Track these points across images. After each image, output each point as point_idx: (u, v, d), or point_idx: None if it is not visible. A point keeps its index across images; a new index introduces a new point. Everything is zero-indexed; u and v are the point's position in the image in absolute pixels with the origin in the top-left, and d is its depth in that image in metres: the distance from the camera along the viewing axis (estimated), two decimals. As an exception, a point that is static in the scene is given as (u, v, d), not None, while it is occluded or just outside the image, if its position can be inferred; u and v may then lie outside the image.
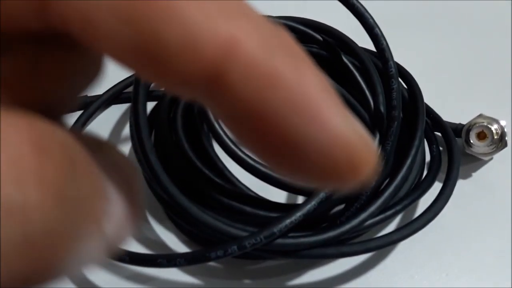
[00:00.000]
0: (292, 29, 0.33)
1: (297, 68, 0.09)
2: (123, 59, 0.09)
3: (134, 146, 0.30)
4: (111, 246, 0.10)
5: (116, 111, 0.37)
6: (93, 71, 0.11)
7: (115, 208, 0.10)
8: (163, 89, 0.09)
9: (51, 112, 0.10)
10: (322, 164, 0.09)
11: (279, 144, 0.09)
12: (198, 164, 0.31)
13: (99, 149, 0.10)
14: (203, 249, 0.27)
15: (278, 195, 0.31)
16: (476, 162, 0.34)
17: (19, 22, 0.09)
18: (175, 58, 0.08)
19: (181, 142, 0.31)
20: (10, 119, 0.08)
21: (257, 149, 0.09)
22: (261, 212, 0.29)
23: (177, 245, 0.31)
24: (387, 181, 0.30)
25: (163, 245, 0.31)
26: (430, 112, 0.34)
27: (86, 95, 0.35)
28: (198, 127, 0.33)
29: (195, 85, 0.09)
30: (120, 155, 0.10)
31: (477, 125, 0.33)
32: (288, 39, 0.09)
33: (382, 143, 0.29)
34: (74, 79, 0.10)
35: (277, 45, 0.09)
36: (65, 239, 0.08)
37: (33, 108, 0.09)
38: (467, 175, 0.34)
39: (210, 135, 0.32)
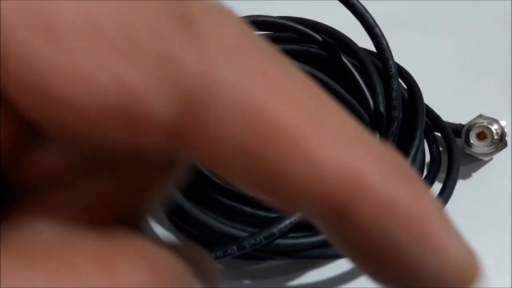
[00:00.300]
0: (291, 29, 0.33)
1: (416, 195, 0.09)
2: (244, 186, 0.09)
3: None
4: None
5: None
6: (179, 176, 0.11)
7: None
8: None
9: (134, 217, 0.10)
10: (431, 281, 0.09)
11: (390, 263, 0.09)
12: (189, 168, 0.30)
13: (190, 254, 0.10)
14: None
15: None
16: (476, 162, 0.34)
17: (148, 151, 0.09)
18: (299, 189, 0.08)
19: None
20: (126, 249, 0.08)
21: (365, 263, 0.09)
22: (261, 213, 0.29)
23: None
24: (387, 181, 0.30)
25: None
26: (430, 112, 0.34)
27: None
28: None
29: (314, 211, 0.09)
30: (207, 256, 0.11)
31: (477, 125, 0.33)
32: (402, 164, 0.09)
33: (382, 143, 0.29)
34: (163, 187, 0.10)
35: (395, 172, 0.09)
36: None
37: (122, 218, 0.09)
38: (467, 176, 0.34)
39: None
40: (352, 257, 0.10)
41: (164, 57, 0.08)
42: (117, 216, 0.09)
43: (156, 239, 0.09)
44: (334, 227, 0.09)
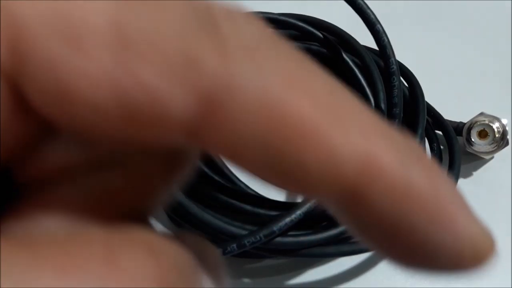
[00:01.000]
0: (292, 26, 0.33)
1: (431, 179, 0.09)
2: (260, 176, 0.09)
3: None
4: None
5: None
6: (185, 172, 0.11)
7: None
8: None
9: (141, 213, 0.10)
10: (448, 261, 0.09)
11: (407, 245, 0.09)
12: (198, 162, 0.30)
13: (194, 246, 0.10)
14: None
15: (278, 194, 0.31)
16: (477, 160, 0.34)
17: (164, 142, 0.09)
18: (315, 175, 0.09)
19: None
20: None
21: (383, 247, 0.10)
22: (261, 211, 0.29)
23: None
24: (387, 179, 0.29)
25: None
26: (431, 111, 0.34)
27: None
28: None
29: (331, 198, 0.09)
30: (210, 247, 0.11)
31: (478, 123, 0.33)
32: (419, 151, 0.10)
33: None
34: (170, 183, 0.10)
35: (411, 158, 0.09)
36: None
37: (129, 214, 0.09)
38: (468, 174, 0.34)
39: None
40: (369, 241, 0.10)
41: (187, 60, 0.08)
42: (124, 210, 0.10)
43: (161, 232, 0.09)
44: (351, 212, 0.09)
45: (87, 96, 0.08)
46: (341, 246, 0.28)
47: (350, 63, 0.33)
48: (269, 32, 0.09)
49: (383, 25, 0.29)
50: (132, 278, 0.08)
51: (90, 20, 0.08)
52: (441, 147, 0.33)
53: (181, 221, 0.30)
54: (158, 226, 0.32)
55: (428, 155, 0.10)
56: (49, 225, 0.09)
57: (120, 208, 0.09)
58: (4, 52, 0.08)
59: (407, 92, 0.33)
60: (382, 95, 0.30)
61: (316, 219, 0.29)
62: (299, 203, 0.27)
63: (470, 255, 0.10)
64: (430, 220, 0.09)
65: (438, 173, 0.09)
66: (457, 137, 0.33)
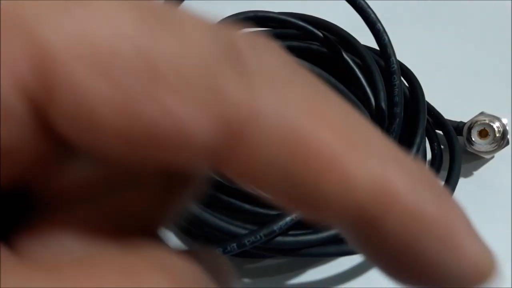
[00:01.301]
0: (292, 26, 0.33)
1: (442, 205, 0.09)
2: (277, 198, 0.09)
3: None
4: None
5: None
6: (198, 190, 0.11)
7: None
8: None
9: (153, 229, 0.10)
10: (450, 280, 0.10)
11: (414, 267, 0.10)
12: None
13: (207, 261, 0.10)
14: (202, 247, 0.27)
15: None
16: (477, 160, 0.34)
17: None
18: (331, 199, 0.09)
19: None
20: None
21: (390, 267, 0.10)
22: (261, 210, 0.29)
23: (176, 243, 0.31)
24: (388, 179, 0.29)
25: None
26: (431, 110, 0.34)
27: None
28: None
29: (345, 222, 0.09)
30: (223, 259, 0.11)
31: (479, 123, 0.33)
32: (431, 177, 0.10)
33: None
34: (183, 200, 0.11)
35: (423, 184, 0.09)
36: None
37: (142, 230, 0.10)
38: (468, 174, 0.34)
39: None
40: (377, 261, 0.10)
41: (213, 91, 0.08)
42: (138, 227, 0.10)
43: (174, 247, 0.09)
44: (364, 235, 0.09)
45: (113, 122, 0.08)
46: (341, 245, 0.28)
47: (351, 62, 0.32)
48: (289, 60, 0.09)
49: (383, 24, 0.29)
50: None
51: (119, 52, 0.08)
52: (442, 146, 0.33)
53: (180, 220, 0.30)
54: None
55: (439, 182, 0.11)
56: (68, 243, 0.09)
57: (134, 225, 0.10)
58: (30, 75, 0.08)
59: (407, 91, 0.33)
60: (382, 95, 0.30)
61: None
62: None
63: (472, 275, 0.10)
64: (440, 244, 0.09)
65: (448, 199, 0.10)
66: (458, 136, 0.33)
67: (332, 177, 0.09)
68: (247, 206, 0.29)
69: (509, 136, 0.32)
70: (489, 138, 0.32)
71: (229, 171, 0.09)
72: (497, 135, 0.32)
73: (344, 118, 0.09)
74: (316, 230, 0.27)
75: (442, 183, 0.30)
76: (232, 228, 0.27)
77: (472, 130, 0.33)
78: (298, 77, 0.09)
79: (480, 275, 0.10)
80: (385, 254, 0.10)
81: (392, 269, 0.10)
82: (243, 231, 0.27)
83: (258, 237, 0.26)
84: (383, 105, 0.30)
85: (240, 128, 0.08)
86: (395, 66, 0.29)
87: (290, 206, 0.09)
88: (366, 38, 0.31)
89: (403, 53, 0.33)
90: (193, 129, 0.08)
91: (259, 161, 0.09)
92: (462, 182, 0.32)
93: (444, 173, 0.31)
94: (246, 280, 0.30)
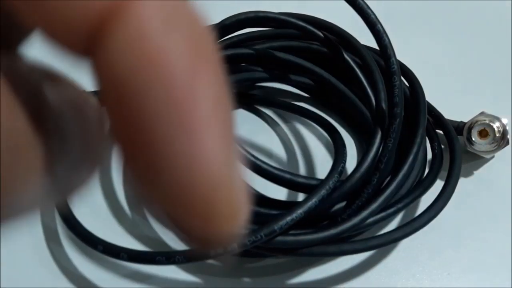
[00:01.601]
0: (292, 26, 0.33)
1: (195, 63, 0.07)
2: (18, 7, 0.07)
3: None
4: (65, 190, 0.09)
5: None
6: None
7: (69, 151, 0.08)
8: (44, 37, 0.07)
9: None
10: (176, 185, 0.07)
11: (136, 135, 0.07)
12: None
13: (54, 82, 0.08)
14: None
15: (278, 193, 0.31)
16: (477, 160, 0.34)
17: None
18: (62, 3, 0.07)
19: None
20: None
21: (116, 134, 0.08)
22: (262, 209, 0.29)
23: (176, 243, 0.31)
24: (388, 178, 0.29)
25: (161, 242, 0.31)
26: (432, 110, 0.34)
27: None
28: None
29: (73, 37, 0.07)
30: (78, 91, 0.09)
31: (479, 123, 0.33)
32: (198, 24, 0.07)
33: (383, 140, 0.29)
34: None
35: (182, 24, 0.07)
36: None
37: None
38: (468, 173, 0.34)
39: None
40: (108, 114, 0.08)
41: None
42: None
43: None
44: (91, 63, 0.07)
45: None
46: (341, 245, 0.28)
47: (351, 62, 0.32)
48: None
49: (383, 24, 0.29)
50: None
51: None
52: (442, 146, 0.33)
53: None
54: (158, 227, 0.32)
55: (215, 50, 0.08)
56: None
57: None
58: None
59: (408, 91, 0.33)
60: (383, 95, 0.30)
61: (317, 218, 0.29)
62: (300, 202, 0.27)
63: (200, 194, 0.07)
64: (171, 115, 0.07)
65: (209, 62, 0.07)
66: (458, 136, 0.33)
67: None
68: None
69: (509, 136, 0.32)
70: (489, 138, 0.32)
71: None
72: (497, 135, 0.32)
73: None
74: (316, 230, 0.27)
75: (443, 182, 0.31)
76: (233, 227, 0.27)
77: (472, 130, 0.33)
78: None
79: (212, 195, 0.07)
80: (108, 99, 0.07)
81: (116, 133, 0.07)
82: (244, 231, 0.27)
83: (259, 236, 0.26)
84: (384, 105, 0.30)
85: None
86: (396, 66, 0.29)
87: (25, 12, 0.07)
88: (366, 38, 0.31)
89: (403, 53, 0.33)
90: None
91: None
92: (462, 182, 0.32)
93: (444, 173, 0.31)
94: (246, 279, 0.30)
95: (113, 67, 0.07)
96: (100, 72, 0.07)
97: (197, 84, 0.07)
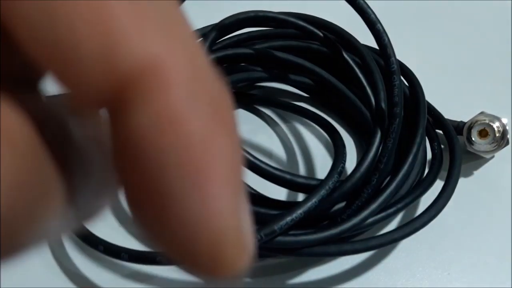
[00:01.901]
0: (292, 25, 0.33)
1: (214, 128, 0.07)
2: (32, 50, 0.07)
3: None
4: (84, 217, 0.09)
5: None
6: None
7: (90, 179, 0.09)
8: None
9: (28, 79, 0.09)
10: (183, 239, 0.08)
11: (150, 191, 0.08)
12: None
13: (76, 115, 0.09)
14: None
15: (278, 193, 0.31)
16: (477, 160, 0.34)
17: None
18: (86, 61, 0.07)
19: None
20: None
21: (127, 187, 0.08)
22: (261, 210, 0.29)
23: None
24: (388, 178, 0.29)
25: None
26: (432, 110, 0.34)
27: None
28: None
29: (98, 99, 0.07)
30: (98, 120, 0.09)
31: (479, 122, 0.33)
32: (225, 99, 0.08)
33: (383, 140, 0.29)
34: None
35: (204, 90, 0.08)
36: (21, 219, 0.07)
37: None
38: (468, 173, 0.34)
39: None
40: (118, 172, 0.08)
41: None
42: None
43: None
44: (112, 126, 0.08)
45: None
46: (342, 245, 0.28)
47: (351, 62, 0.32)
48: None
49: (383, 24, 0.29)
50: None
51: None
52: (442, 146, 0.33)
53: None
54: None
55: (233, 113, 0.08)
56: None
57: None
58: None
59: (407, 91, 0.33)
60: (382, 94, 0.30)
61: (317, 218, 0.29)
62: (300, 202, 0.27)
63: (208, 244, 0.08)
64: (186, 176, 0.07)
65: (226, 127, 0.08)
66: (458, 136, 0.33)
67: (94, 35, 0.07)
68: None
69: (509, 136, 0.32)
70: (489, 138, 0.32)
71: None
72: (497, 135, 0.32)
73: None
74: (316, 230, 0.27)
75: (443, 182, 0.31)
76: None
77: (472, 130, 0.33)
78: None
79: (217, 250, 0.08)
80: (124, 158, 0.07)
81: (130, 191, 0.08)
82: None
83: (259, 236, 0.26)
84: (383, 105, 0.30)
85: None
86: (395, 66, 0.29)
87: (44, 61, 0.07)
88: (366, 38, 0.31)
89: (403, 53, 0.33)
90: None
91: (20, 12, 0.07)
92: (462, 182, 0.32)
93: (444, 173, 0.31)
94: (246, 279, 0.30)
95: (134, 131, 0.07)
96: (118, 130, 0.07)
97: (215, 148, 0.07)
